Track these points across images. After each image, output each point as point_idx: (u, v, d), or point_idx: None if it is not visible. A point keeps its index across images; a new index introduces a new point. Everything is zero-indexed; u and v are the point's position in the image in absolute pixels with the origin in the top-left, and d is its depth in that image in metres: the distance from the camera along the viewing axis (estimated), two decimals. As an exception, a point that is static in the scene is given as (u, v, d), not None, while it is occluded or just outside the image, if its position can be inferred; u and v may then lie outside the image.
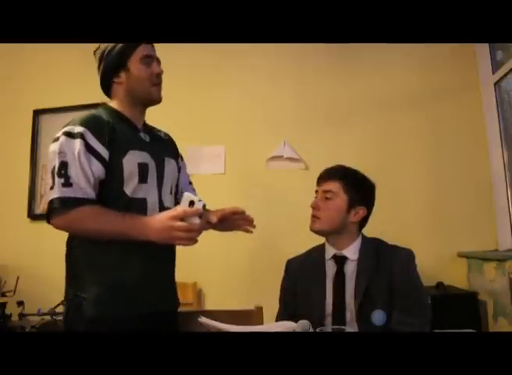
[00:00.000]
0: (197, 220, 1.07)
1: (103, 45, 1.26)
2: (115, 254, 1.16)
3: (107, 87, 1.30)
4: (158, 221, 1.10)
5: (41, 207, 2.79)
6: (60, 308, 2.20)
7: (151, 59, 1.27)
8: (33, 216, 2.79)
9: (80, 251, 1.17)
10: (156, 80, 1.27)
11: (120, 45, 1.23)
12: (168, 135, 1.43)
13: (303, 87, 2.68)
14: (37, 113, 2.92)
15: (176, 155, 1.41)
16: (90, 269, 1.15)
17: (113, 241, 1.13)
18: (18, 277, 2.34)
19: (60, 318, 2.12)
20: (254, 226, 1.33)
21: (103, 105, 1.30)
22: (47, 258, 2.70)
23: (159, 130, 1.40)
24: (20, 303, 2.27)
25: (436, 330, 1.09)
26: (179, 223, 1.06)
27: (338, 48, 2.59)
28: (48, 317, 2.17)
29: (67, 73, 2.92)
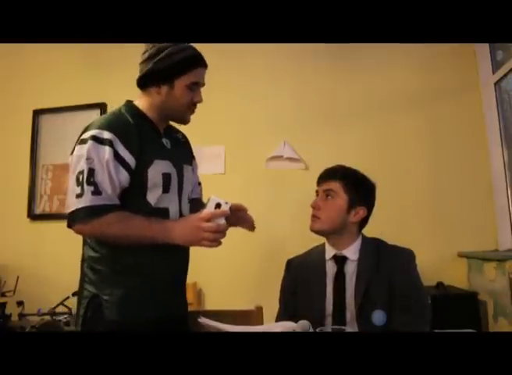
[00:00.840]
0: (223, 221, 1.11)
1: (162, 45, 1.20)
2: (140, 256, 1.16)
3: (144, 85, 1.25)
4: (186, 223, 1.14)
5: (41, 207, 2.78)
6: (60, 309, 2.20)
7: (197, 86, 1.24)
8: (33, 216, 2.77)
9: (99, 252, 1.17)
10: (193, 107, 1.27)
11: (176, 58, 1.18)
12: (184, 136, 1.42)
13: (303, 87, 2.68)
14: (37, 113, 2.93)
15: (191, 158, 1.41)
16: (112, 271, 1.15)
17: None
18: (18, 277, 2.35)
19: (60, 318, 2.13)
20: (253, 228, 1.33)
21: (127, 103, 1.27)
22: (47, 258, 2.71)
23: (177, 131, 1.39)
24: (20, 303, 2.27)
25: (436, 330, 1.09)
26: (208, 224, 1.10)
27: (338, 48, 2.59)
28: (47, 317, 2.17)
29: (67, 73, 2.93)
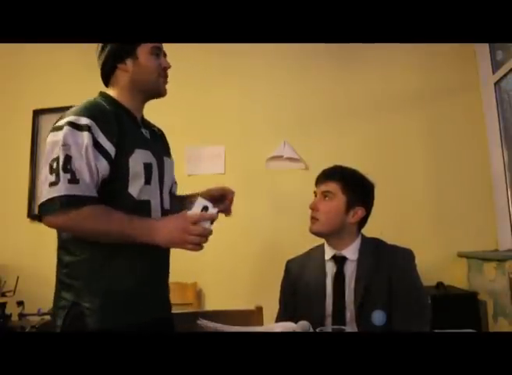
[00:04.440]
0: (209, 225, 1.05)
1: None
2: (119, 261, 1.09)
3: (108, 73, 1.23)
4: (171, 223, 1.06)
5: (41, 207, 2.77)
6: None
7: (160, 51, 1.23)
8: (33, 216, 2.78)
9: (78, 256, 1.09)
10: (164, 73, 1.24)
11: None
12: (160, 130, 1.37)
13: (303, 87, 2.68)
14: (37, 113, 2.92)
15: (169, 153, 1.36)
16: (91, 277, 1.08)
17: (116, 247, 1.07)
18: (18, 277, 2.34)
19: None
20: (229, 213, 1.28)
21: (101, 93, 1.23)
22: (47, 258, 2.67)
23: (153, 125, 1.35)
24: (20, 303, 2.27)
25: (436, 330, 1.09)
26: (195, 227, 1.03)
27: (338, 48, 2.59)
28: (47, 317, 2.17)
29: (67, 73, 2.93)
